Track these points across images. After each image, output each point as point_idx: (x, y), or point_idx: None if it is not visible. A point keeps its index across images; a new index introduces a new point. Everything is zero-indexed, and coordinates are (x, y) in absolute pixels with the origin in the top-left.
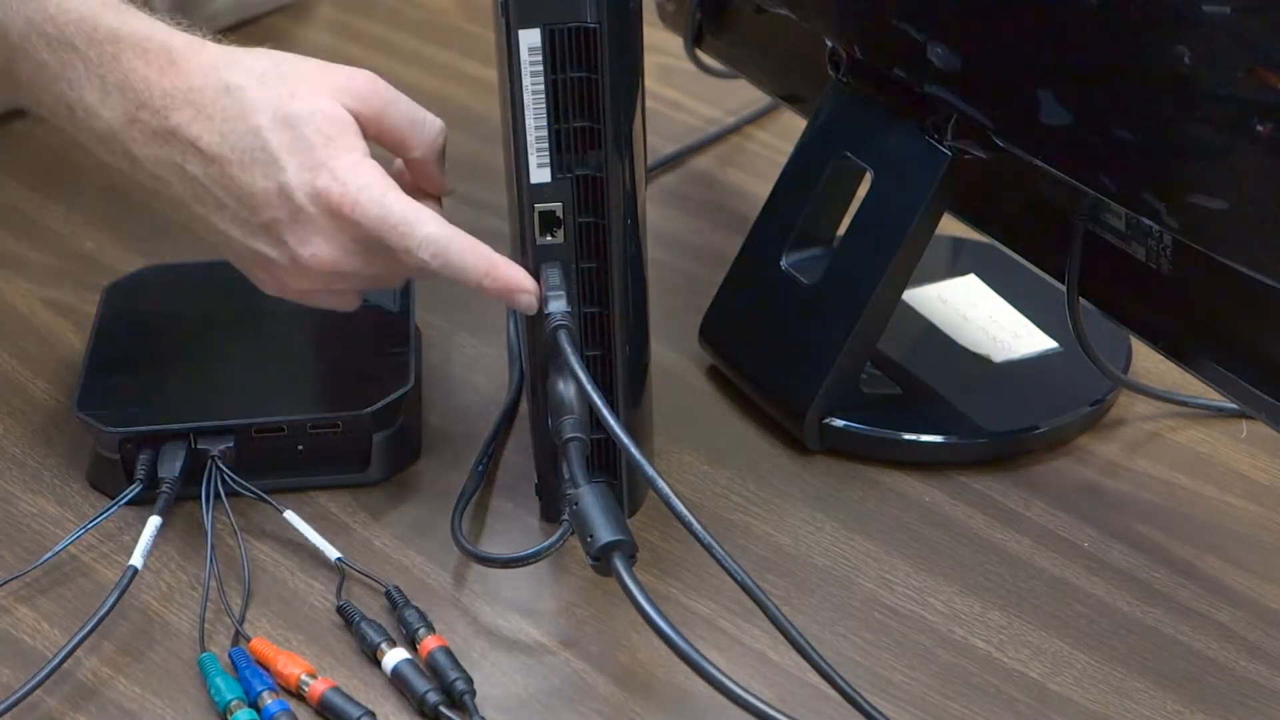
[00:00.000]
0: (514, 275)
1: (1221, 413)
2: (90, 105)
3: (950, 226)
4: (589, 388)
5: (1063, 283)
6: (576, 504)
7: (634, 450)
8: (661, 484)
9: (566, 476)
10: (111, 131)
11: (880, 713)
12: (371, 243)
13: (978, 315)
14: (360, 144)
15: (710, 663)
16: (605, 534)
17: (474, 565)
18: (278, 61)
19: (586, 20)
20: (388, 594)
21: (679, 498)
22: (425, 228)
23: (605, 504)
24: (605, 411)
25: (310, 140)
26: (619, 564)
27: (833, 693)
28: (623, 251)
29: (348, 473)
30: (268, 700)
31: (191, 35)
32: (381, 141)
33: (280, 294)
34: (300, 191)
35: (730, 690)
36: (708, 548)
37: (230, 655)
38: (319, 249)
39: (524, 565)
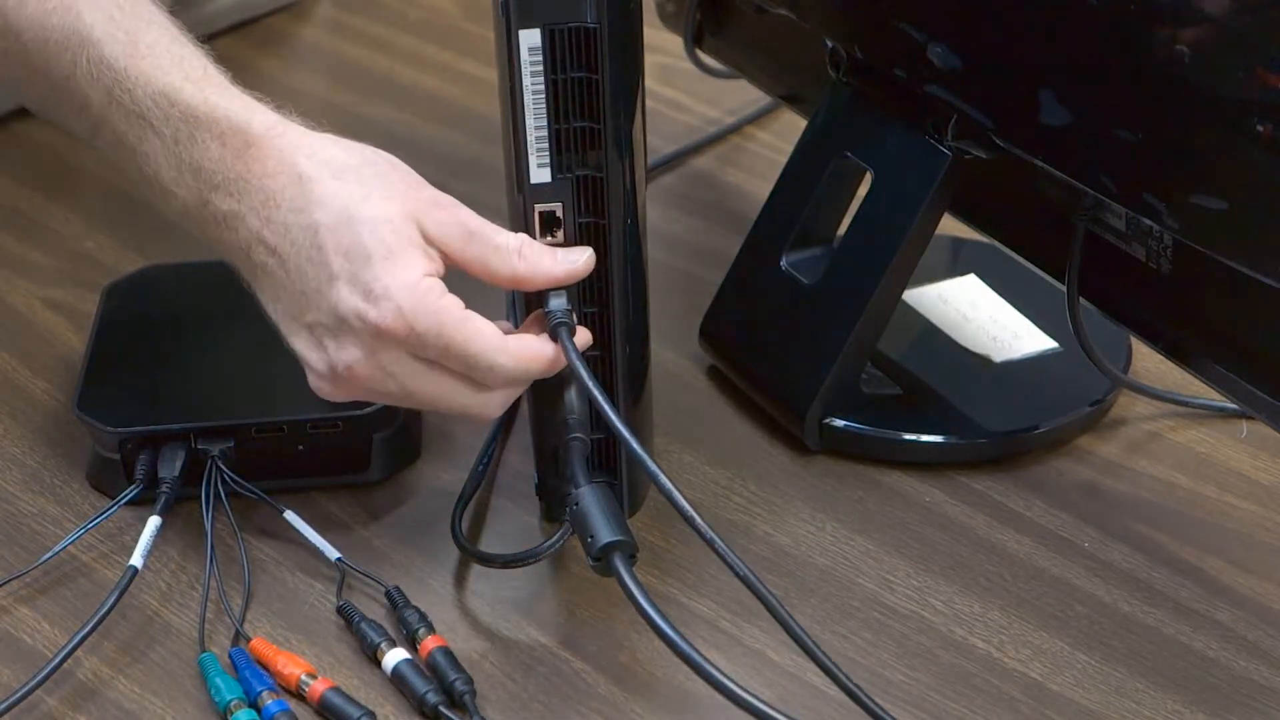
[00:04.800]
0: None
1: (1222, 413)
2: (165, 184)
3: (950, 226)
4: (589, 383)
5: (1063, 283)
6: (577, 504)
7: (635, 444)
8: (663, 478)
9: (567, 476)
10: (185, 211)
11: (884, 710)
12: (428, 355)
13: (978, 315)
14: (422, 264)
15: (710, 663)
16: (606, 534)
17: (474, 565)
18: (367, 160)
19: (586, 20)
20: (388, 594)
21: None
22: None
23: (606, 504)
24: (605, 406)
25: (368, 249)
26: (620, 564)
27: (833, 692)
28: (623, 251)
29: (348, 473)
30: (268, 700)
31: (276, 115)
32: (466, 270)
33: (329, 397)
34: (345, 304)
35: (730, 690)
36: (710, 543)
37: (230, 655)
38: (355, 362)
39: (524, 565)
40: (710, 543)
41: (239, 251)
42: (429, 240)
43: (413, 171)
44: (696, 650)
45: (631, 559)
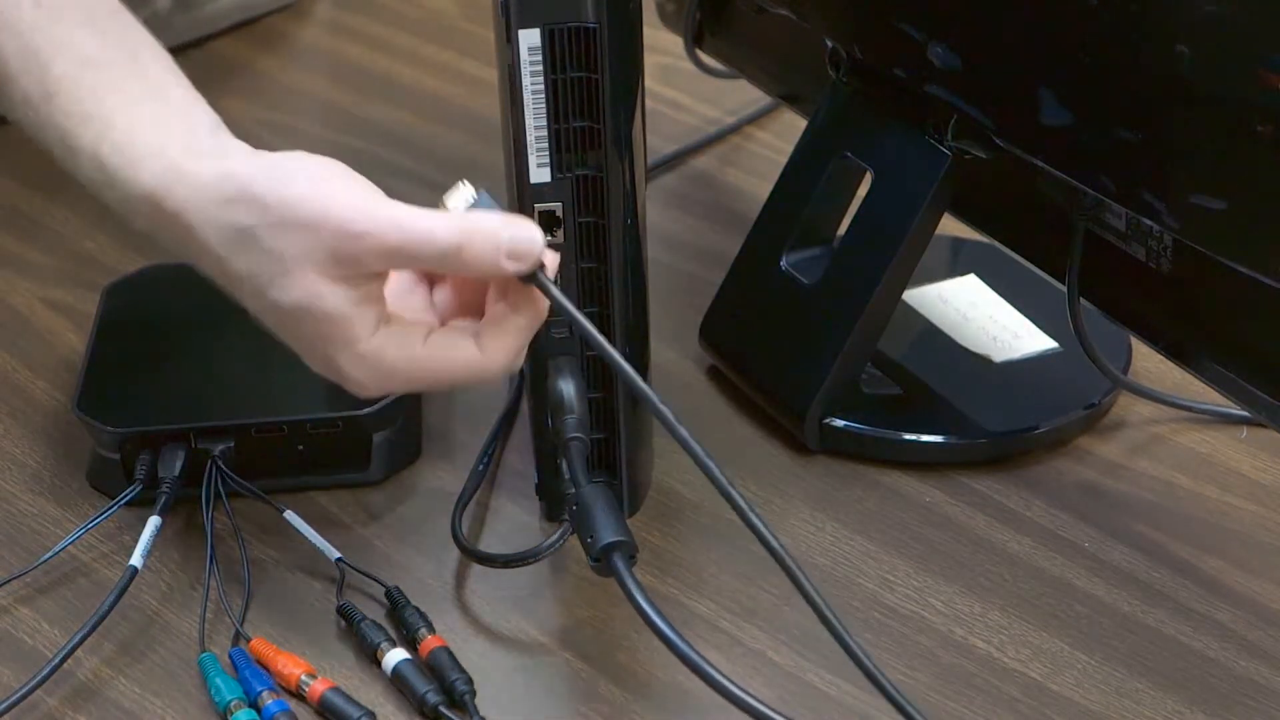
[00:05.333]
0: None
1: (1228, 419)
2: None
3: (950, 226)
4: (575, 314)
5: (1063, 283)
6: (577, 504)
7: (628, 370)
8: (667, 413)
9: (567, 476)
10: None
11: (907, 700)
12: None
13: (978, 315)
14: (366, 322)
15: (710, 663)
16: (606, 534)
17: (474, 565)
18: (262, 221)
19: (586, 20)
20: (388, 594)
21: (679, 497)
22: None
23: (606, 504)
24: (596, 337)
25: (310, 340)
26: (620, 565)
27: (833, 692)
28: (623, 251)
29: (348, 473)
30: (268, 700)
31: (160, 164)
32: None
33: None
34: (316, 283)
35: (729, 691)
36: (726, 496)
37: (230, 655)
38: (364, 380)
39: (524, 565)
40: (727, 496)
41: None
42: (359, 266)
43: (296, 175)
44: (696, 650)
45: (632, 559)
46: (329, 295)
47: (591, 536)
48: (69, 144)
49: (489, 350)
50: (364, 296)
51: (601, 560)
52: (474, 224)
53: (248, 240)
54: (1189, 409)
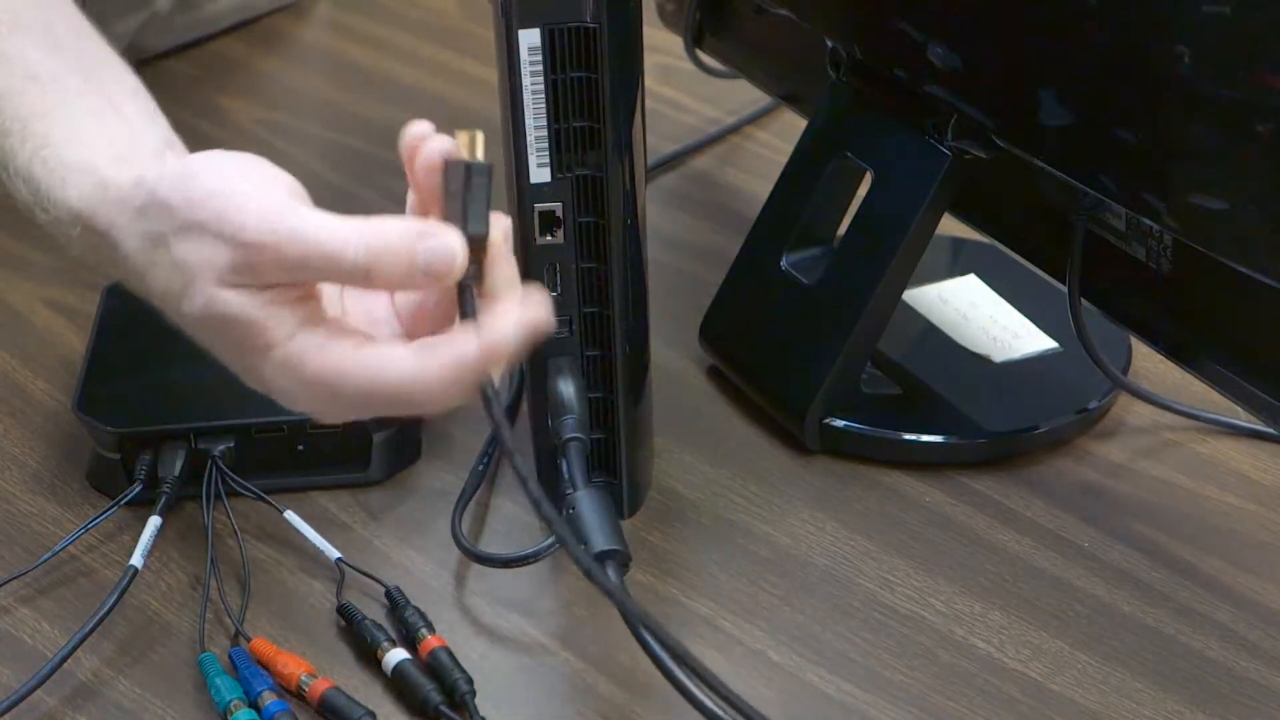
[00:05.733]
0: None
1: (1235, 430)
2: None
3: (950, 226)
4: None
5: (1063, 283)
6: (573, 508)
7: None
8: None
9: (565, 477)
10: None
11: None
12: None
13: (978, 315)
14: (282, 330)
15: (696, 680)
16: (600, 542)
17: (474, 565)
18: (167, 233)
19: (586, 20)
20: (388, 594)
21: (679, 497)
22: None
23: (602, 510)
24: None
25: (228, 354)
26: (611, 575)
27: (833, 692)
28: (623, 251)
29: (348, 473)
30: (268, 700)
31: (85, 188)
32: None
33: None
34: (217, 295)
35: (712, 711)
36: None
37: (230, 655)
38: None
39: (524, 565)
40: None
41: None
42: (262, 280)
43: (205, 202)
44: (682, 665)
45: (624, 568)
46: (231, 300)
47: (585, 543)
48: (3, 161)
49: (425, 367)
50: (272, 299)
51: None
52: (384, 240)
53: (160, 250)
54: (1188, 415)
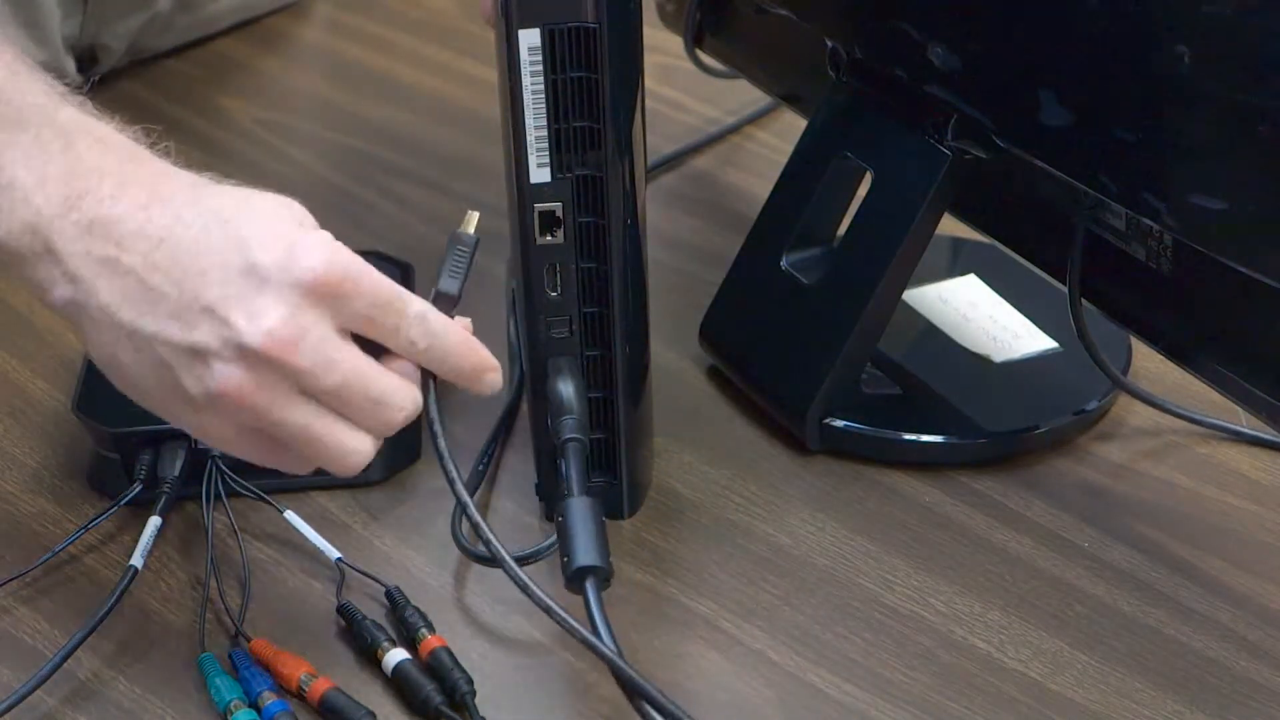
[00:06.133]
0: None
1: (1235, 435)
2: (22, 187)
3: (950, 226)
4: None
5: (1063, 283)
6: (562, 516)
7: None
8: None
9: (562, 480)
10: (38, 221)
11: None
12: (351, 323)
13: (978, 315)
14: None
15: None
16: (582, 558)
17: (474, 565)
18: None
19: (586, 20)
20: (388, 594)
21: (679, 497)
22: (418, 304)
23: (590, 521)
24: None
25: (292, 219)
26: (590, 591)
27: (833, 692)
28: (623, 251)
29: None
30: (268, 700)
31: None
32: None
33: (208, 431)
34: (274, 265)
35: None
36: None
37: (230, 655)
38: (276, 318)
39: (524, 566)
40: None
41: (100, 260)
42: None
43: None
44: (653, 686)
45: (605, 583)
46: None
47: (568, 556)
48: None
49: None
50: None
51: (575, 582)
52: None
53: (240, 193)
54: (1188, 418)
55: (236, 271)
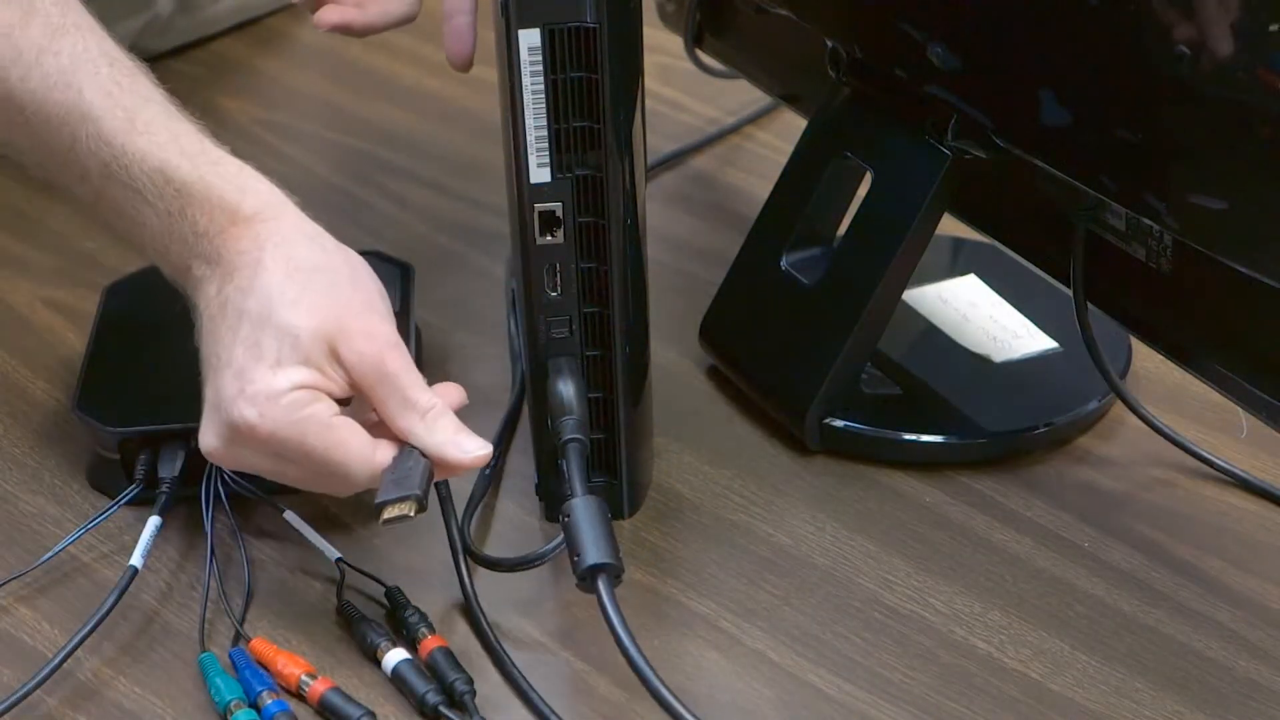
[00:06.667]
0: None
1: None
2: (158, 251)
3: (950, 226)
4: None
5: (1062, 283)
6: (568, 516)
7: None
8: None
9: (565, 480)
10: (174, 274)
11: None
12: (289, 456)
13: (978, 315)
14: (302, 377)
15: (676, 696)
16: (593, 555)
17: (474, 565)
18: (331, 266)
19: (586, 20)
20: (388, 594)
21: (679, 497)
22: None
23: (597, 520)
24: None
25: (262, 352)
26: (602, 588)
27: (833, 692)
28: (623, 251)
29: None
30: (268, 700)
31: (272, 193)
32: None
33: (226, 454)
34: (225, 390)
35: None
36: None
37: (230, 655)
38: (213, 449)
39: (525, 569)
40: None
41: (207, 309)
42: (340, 362)
43: (374, 286)
44: (665, 685)
45: (617, 580)
46: (315, 341)
47: (578, 555)
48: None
49: (377, 456)
50: (327, 370)
51: (586, 580)
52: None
53: (298, 271)
54: (1176, 443)
55: (215, 387)
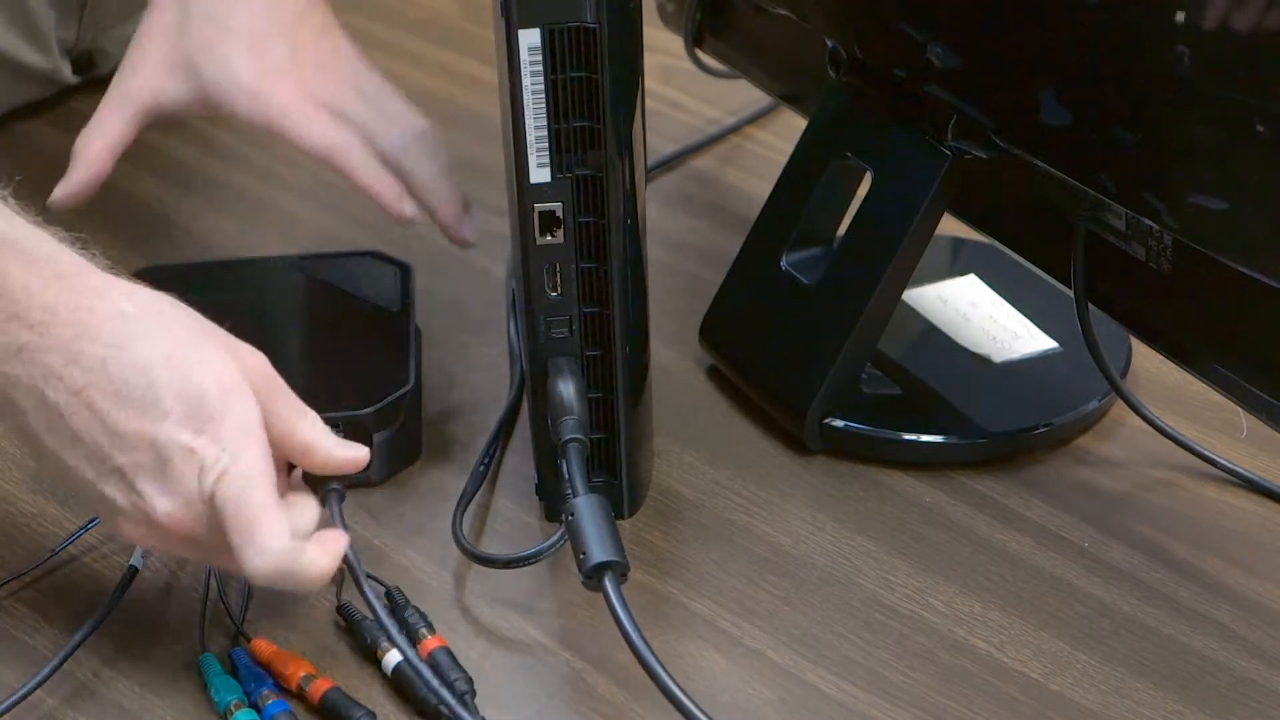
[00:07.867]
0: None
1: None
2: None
3: (950, 226)
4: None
5: (1062, 282)
6: (572, 515)
7: None
8: None
9: (565, 480)
10: None
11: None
12: (217, 522)
13: (978, 315)
14: (256, 414)
15: (687, 694)
16: (598, 554)
17: (474, 565)
18: (175, 304)
19: (586, 20)
20: (388, 594)
21: (679, 497)
22: (266, 539)
23: (600, 518)
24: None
25: (205, 392)
26: (609, 586)
27: (833, 692)
28: (623, 251)
29: (347, 473)
30: (268, 700)
31: (81, 256)
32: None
33: (139, 543)
34: (175, 445)
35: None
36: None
37: (230, 655)
38: (174, 508)
39: (524, 566)
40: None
41: (28, 390)
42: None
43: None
44: (674, 681)
45: (623, 578)
46: (238, 375)
47: (584, 554)
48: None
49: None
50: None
51: (593, 578)
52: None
53: (169, 315)
54: (1178, 441)
55: (145, 440)
